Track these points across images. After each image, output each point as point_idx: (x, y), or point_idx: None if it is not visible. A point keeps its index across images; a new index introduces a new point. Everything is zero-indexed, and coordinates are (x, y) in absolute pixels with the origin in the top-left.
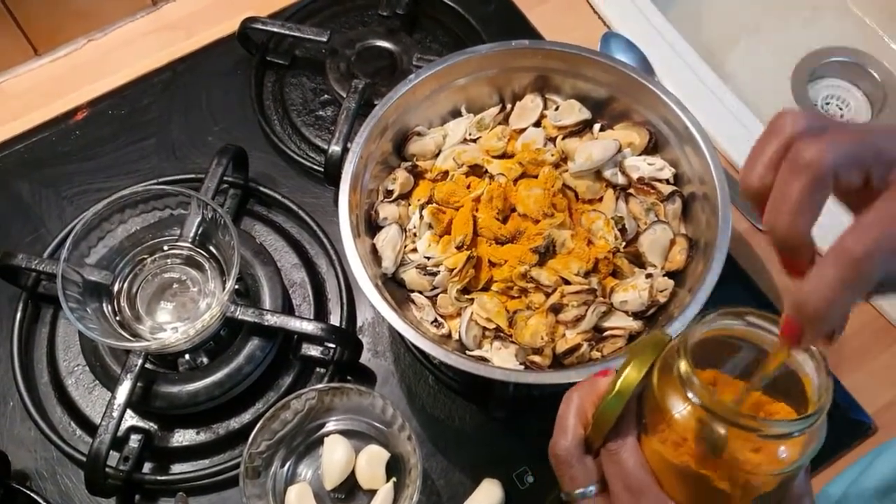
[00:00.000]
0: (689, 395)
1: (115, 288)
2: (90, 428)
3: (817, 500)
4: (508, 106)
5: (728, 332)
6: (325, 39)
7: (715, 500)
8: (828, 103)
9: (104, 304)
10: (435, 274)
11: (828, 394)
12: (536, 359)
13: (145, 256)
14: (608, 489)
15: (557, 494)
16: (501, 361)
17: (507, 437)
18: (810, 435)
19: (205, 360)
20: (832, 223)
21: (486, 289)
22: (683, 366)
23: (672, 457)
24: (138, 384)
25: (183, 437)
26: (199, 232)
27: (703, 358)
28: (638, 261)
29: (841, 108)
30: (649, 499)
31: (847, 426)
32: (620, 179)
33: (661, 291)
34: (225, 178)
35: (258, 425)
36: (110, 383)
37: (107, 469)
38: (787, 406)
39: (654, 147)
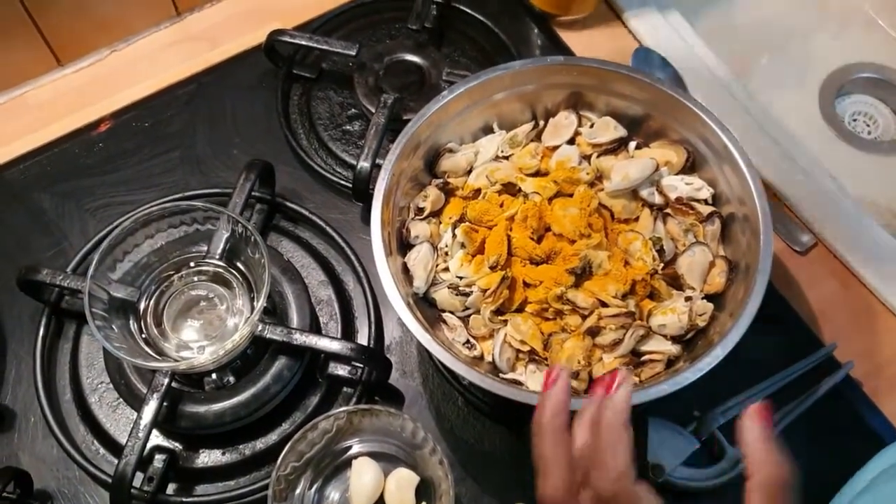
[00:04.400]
0: None
1: (142, 306)
2: (114, 447)
3: None
4: (541, 123)
5: None
6: (353, 53)
7: None
8: (855, 119)
9: (130, 322)
10: (468, 294)
11: None
12: (573, 383)
13: (172, 273)
14: None
15: None
16: (536, 385)
17: None
18: None
19: (231, 379)
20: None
21: (520, 310)
22: None
23: None
24: (164, 403)
25: (208, 458)
26: (227, 248)
27: None
28: (676, 283)
29: (868, 125)
30: None
31: None
32: (657, 199)
33: (701, 315)
34: (251, 193)
35: (286, 447)
36: (135, 402)
37: (131, 490)
38: None
39: (691, 166)
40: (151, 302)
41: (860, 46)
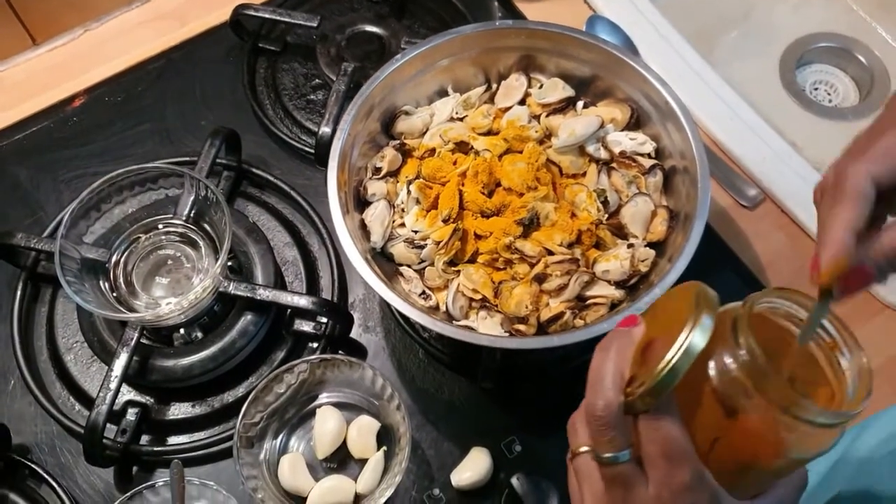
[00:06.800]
0: (752, 373)
1: (112, 264)
2: (88, 402)
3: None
4: (494, 85)
5: (786, 315)
6: (315, 25)
7: (741, 472)
8: (816, 88)
9: (101, 281)
10: (422, 247)
11: (868, 390)
12: (521, 327)
13: (140, 234)
14: (639, 452)
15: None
16: (487, 330)
17: (495, 408)
18: (841, 429)
19: (199, 334)
20: None
21: (472, 261)
22: (750, 342)
23: (705, 426)
24: (134, 358)
25: (179, 410)
26: (193, 210)
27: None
28: (620, 232)
29: (829, 94)
30: (687, 469)
31: None
32: (603, 154)
33: (643, 261)
34: (219, 161)
35: (251, 396)
36: (108, 358)
37: (104, 441)
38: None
39: (636, 123)
40: (122, 262)
41: (820, 17)
